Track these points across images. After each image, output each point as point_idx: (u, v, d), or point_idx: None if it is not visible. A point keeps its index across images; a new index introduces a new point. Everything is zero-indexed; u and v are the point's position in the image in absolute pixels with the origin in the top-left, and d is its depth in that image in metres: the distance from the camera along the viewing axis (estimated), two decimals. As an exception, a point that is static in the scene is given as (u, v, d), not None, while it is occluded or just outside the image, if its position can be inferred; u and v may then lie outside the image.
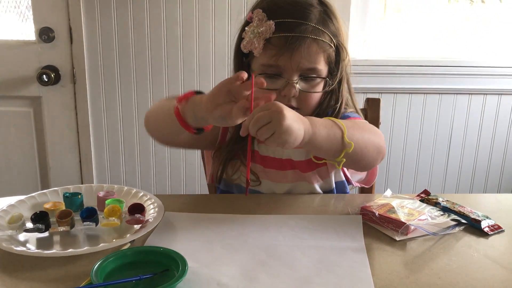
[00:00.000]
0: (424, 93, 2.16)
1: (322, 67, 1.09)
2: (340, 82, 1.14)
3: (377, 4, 2.17)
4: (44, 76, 1.96)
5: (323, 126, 0.97)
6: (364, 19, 2.12)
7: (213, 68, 2.05)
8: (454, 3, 2.21)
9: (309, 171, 1.17)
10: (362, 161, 1.05)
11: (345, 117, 1.16)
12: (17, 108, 2.08)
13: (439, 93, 2.16)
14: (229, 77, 0.92)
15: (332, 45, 1.08)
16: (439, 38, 2.21)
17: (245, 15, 1.13)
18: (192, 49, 2.03)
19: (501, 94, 2.18)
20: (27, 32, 2.03)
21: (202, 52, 2.04)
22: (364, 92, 2.00)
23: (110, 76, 2.05)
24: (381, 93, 2.12)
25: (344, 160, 0.98)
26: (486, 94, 2.18)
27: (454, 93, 2.17)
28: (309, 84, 1.09)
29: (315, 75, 1.08)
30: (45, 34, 1.96)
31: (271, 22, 1.04)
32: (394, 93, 2.15)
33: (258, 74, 1.08)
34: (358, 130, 1.03)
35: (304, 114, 1.09)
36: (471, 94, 2.17)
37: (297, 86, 1.07)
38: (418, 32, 2.22)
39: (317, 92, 1.11)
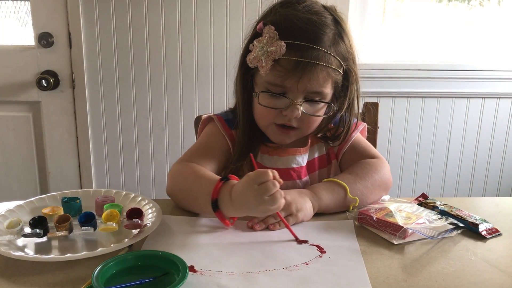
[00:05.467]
0: (423, 97, 2.17)
1: (328, 91, 1.06)
2: (349, 103, 1.12)
3: (376, 8, 2.17)
4: (43, 81, 1.96)
5: (325, 190, 1.04)
6: (363, 23, 2.13)
7: (212, 72, 2.06)
8: (453, 7, 2.22)
9: (312, 172, 1.18)
10: (370, 203, 1.07)
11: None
12: (16, 113, 2.08)
13: (438, 97, 2.17)
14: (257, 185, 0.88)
15: (341, 71, 1.05)
16: (437, 42, 2.21)
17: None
18: (191, 53, 2.04)
19: (500, 97, 2.19)
20: (26, 37, 2.03)
21: (201, 57, 2.04)
22: (362, 96, 1.99)
23: (109, 81, 2.06)
24: (380, 97, 2.13)
25: (355, 209, 1.04)
26: (485, 97, 2.19)
27: (453, 97, 2.17)
28: (313, 106, 1.07)
29: (319, 99, 1.06)
30: (44, 39, 1.96)
31: (283, 43, 0.99)
32: (392, 97, 2.16)
33: (261, 92, 1.06)
34: (361, 180, 1.08)
35: (301, 134, 1.12)
36: (470, 97, 2.18)
37: (301, 108, 1.04)
38: (416, 36, 2.22)
39: (320, 116, 1.09)
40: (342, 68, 1.05)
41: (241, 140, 1.14)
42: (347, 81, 1.08)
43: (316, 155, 1.20)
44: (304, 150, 1.17)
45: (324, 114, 1.10)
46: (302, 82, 1.01)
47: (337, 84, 1.08)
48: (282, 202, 0.88)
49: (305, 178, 1.17)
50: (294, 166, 1.16)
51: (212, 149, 1.15)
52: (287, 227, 0.94)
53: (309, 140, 1.19)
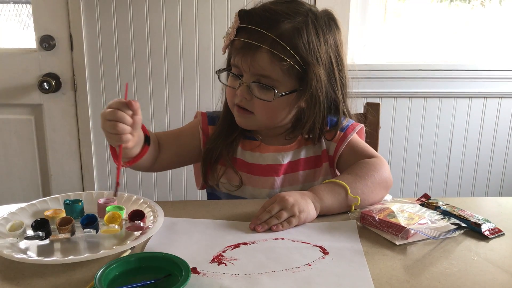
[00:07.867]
0: (425, 97, 2.16)
1: (278, 78, 1.07)
2: (317, 102, 1.11)
3: (377, 9, 2.17)
4: (45, 83, 1.97)
5: (326, 191, 1.05)
6: (364, 23, 2.12)
7: (213, 73, 2.06)
8: (454, 7, 2.22)
9: (294, 171, 1.20)
10: (372, 202, 1.08)
11: (343, 129, 1.20)
12: (18, 116, 2.08)
13: (440, 97, 2.17)
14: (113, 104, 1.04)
15: (291, 62, 1.06)
16: (439, 42, 2.21)
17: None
18: (192, 54, 2.04)
19: (502, 97, 2.18)
20: (28, 40, 2.04)
21: (202, 57, 2.04)
22: (364, 97, 2.01)
23: (110, 83, 2.06)
24: (382, 97, 2.13)
25: (358, 209, 1.03)
26: (487, 97, 2.18)
27: (455, 97, 2.17)
28: (263, 91, 1.09)
29: (268, 85, 1.08)
30: (46, 42, 1.97)
31: (236, 25, 1.09)
32: (394, 97, 2.16)
33: (221, 69, 1.16)
34: (360, 180, 1.08)
35: (258, 120, 1.14)
36: (472, 97, 2.18)
37: (248, 88, 1.09)
38: (418, 36, 2.22)
39: (265, 100, 1.09)
40: (295, 60, 1.06)
41: (220, 125, 1.22)
42: (306, 76, 1.08)
43: (303, 156, 1.20)
44: (286, 149, 1.20)
45: (270, 100, 1.08)
46: (245, 60, 1.07)
47: (290, 75, 1.08)
48: (115, 125, 1.02)
49: (283, 176, 1.19)
50: (273, 163, 1.19)
51: (180, 134, 1.27)
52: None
53: (296, 141, 1.20)
